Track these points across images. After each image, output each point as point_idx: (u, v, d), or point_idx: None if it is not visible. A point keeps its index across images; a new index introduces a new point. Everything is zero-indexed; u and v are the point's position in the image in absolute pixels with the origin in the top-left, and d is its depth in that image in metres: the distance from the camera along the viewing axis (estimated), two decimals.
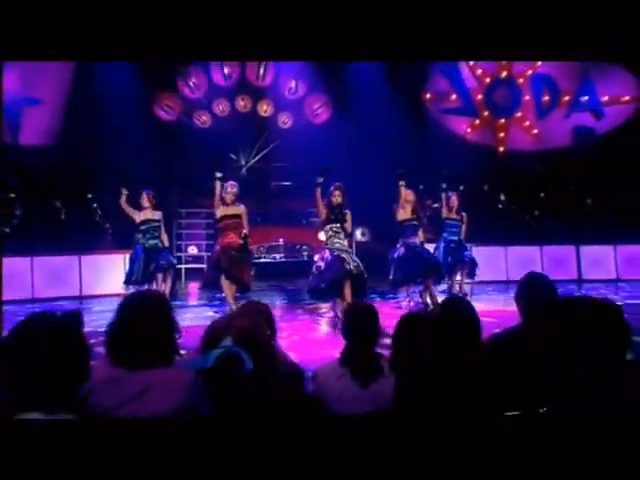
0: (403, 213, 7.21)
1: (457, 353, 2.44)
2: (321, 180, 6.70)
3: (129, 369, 2.35)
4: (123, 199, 7.82)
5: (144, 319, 2.45)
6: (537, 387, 2.37)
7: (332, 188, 6.72)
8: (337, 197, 6.68)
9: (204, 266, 11.13)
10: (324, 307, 7.67)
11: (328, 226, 6.79)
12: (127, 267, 8.12)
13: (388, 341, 3.04)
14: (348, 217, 6.78)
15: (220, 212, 7.09)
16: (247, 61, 10.91)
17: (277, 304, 8.34)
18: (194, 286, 10.68)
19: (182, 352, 2.85)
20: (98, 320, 7.05)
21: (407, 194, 7.22)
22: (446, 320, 2.64)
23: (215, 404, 1.58)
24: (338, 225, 6.75)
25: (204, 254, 11.46)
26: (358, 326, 2.69)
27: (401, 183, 7.24)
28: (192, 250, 11.52)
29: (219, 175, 7.03)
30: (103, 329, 2.52)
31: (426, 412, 2.11)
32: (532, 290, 2.97)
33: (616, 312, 1.99)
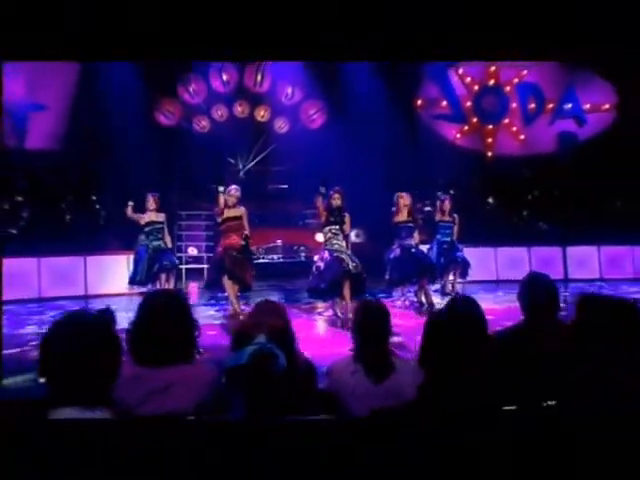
0: (400, 216, 7.25)
1: (467, 351, 2.41)
2: (323, 190, 6.73)
3: (151, 366, 2.34)
4: (129, 210, 7.81)
5: (165, 318, 2.44)
6: (541, 382, 2.37)
7: (332, 192, 6.75)
8: (337, 200, 6.72)
9: (204, 266, 11.09)
10: (321, 306, 7.66)
11: (327, 228, 6.81)
12: (131, 267, 8.09)
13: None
14: (347, 219, 6.82)
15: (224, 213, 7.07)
16: (247, 61, 10.84)
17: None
18: (194, 286, 10.63)
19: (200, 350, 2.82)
20: None
21: (404, 198, 7.26)
22: (456, 319, 2.64)
23: (248, 401, 1.56)
24: (337, 227, 6.78)
25: (204, 255, 11.42)
26: (370, 324, 2.69)
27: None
28: (192, 251, 11.47)
29: (221, 189, 6.99)
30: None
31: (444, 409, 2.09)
32: (533, 289, 2.97)
33: (634, 310, 2.00)
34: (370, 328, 2.68)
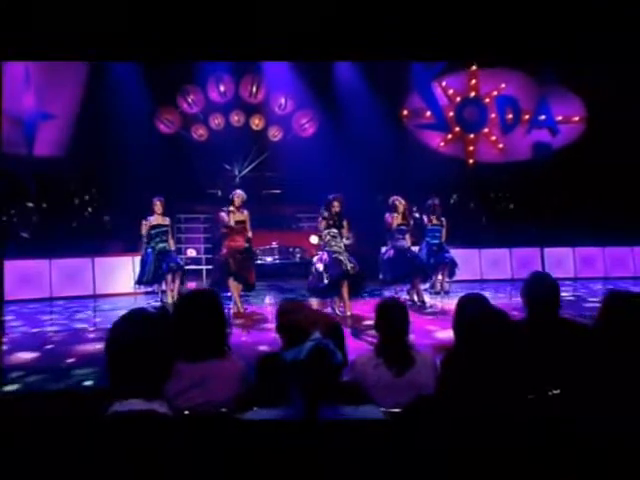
0: (396, 219, 7.29)
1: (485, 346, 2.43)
2: (326, 215, 6.82)
3: (189, 361, 2.35)
4: (144, 229, 7.79)
5: (202, 315, 2.46)
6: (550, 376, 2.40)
7: (331, 198, 6.82)
8: (336, 207, 6.79)
9: (203, 267, 11.07)
10: (315, 303, 7.67)
11: (326, 231, 6.85)
12: (138, 269, 8.04)
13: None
14: (345, 224, 6.89)
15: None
16: (244, 60, 10.79)
17: (276, 301, 8.37)
18: (192, 285, 10.58)
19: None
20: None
21: (401, 202, 7.31)
22: (470, 316, 2.68)
23: (306, 395, 1.58)
24: (336, 230, 6.84)
25: (202, 256, 11.38)
26: (390, 320, 2.73)
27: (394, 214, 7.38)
28: (191, 253, 11.39)
29: (231, 209, 6.98)
30: None
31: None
32: (535, 287, 3.02)
33: None
34: (390, 324, 2.72)
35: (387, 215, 7.29)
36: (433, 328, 5.95)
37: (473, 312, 2.78)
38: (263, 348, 4.83)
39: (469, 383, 2.20)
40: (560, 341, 2.76)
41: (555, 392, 2.32)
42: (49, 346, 5.53)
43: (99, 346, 5.31)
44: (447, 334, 5.04)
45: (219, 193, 11.95)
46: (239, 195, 7.08)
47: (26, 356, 5.07)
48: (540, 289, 2.99)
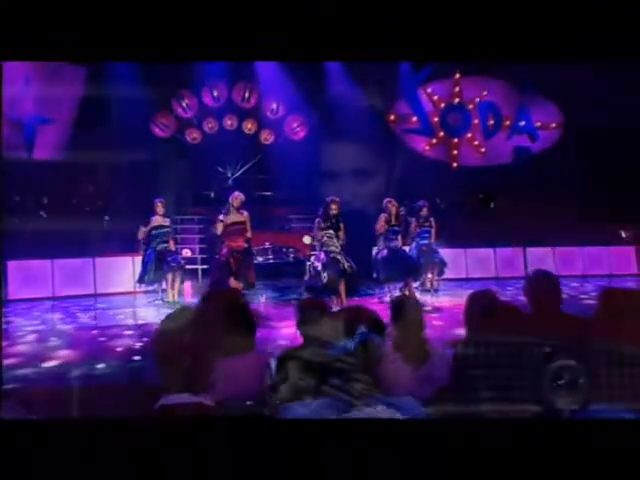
0: (389, 220, 7.36)
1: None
2: (323, 218, 6.91)
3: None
4: (141, 234, 7.77)
5: (231, 312, 2.48)
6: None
7: (329, 200, 6.86)
8: (333, 210, 6.83)
9: (198, 267, 11.01)
10: None
11: (323, 232, 6.89)
12: (137, 268, 8.01)
13: None
14: (342, 227, 6.95)
15: (228, 219, 7.07)
16: (240, 61, 10.72)
17: (274, 300, 8.41)
18: (188, 285, 10.53)
19: None
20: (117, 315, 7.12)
21: (393, 204, 7.38)
22: (480, 310, 2.74)
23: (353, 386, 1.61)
24: (332, 232, 6.88)
25: (198, 256, 11.33)
26: (407, 317, 2.77)
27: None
28: (186, 253, 11.30)
29: (221, 217, 7.04)
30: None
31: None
32: (537, 284, 3.09)
33: None
34: (406, 321, 2.76)
35: (381, 216, 7.36)
36: (439, 323, 6.04)
37: (483, 306, 2.85)
38: (284, 343, 4.88)
39: (479, 377, 2.25)
40: (562, 336, 2.82)
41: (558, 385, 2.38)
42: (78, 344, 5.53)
43: (122, 343, 5.33)
44: (454, 330, 5.12)
45: (212, 195, 11.91)
46: (237, 197, 7.09)
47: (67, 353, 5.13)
48: (542, 286, 3.06)
